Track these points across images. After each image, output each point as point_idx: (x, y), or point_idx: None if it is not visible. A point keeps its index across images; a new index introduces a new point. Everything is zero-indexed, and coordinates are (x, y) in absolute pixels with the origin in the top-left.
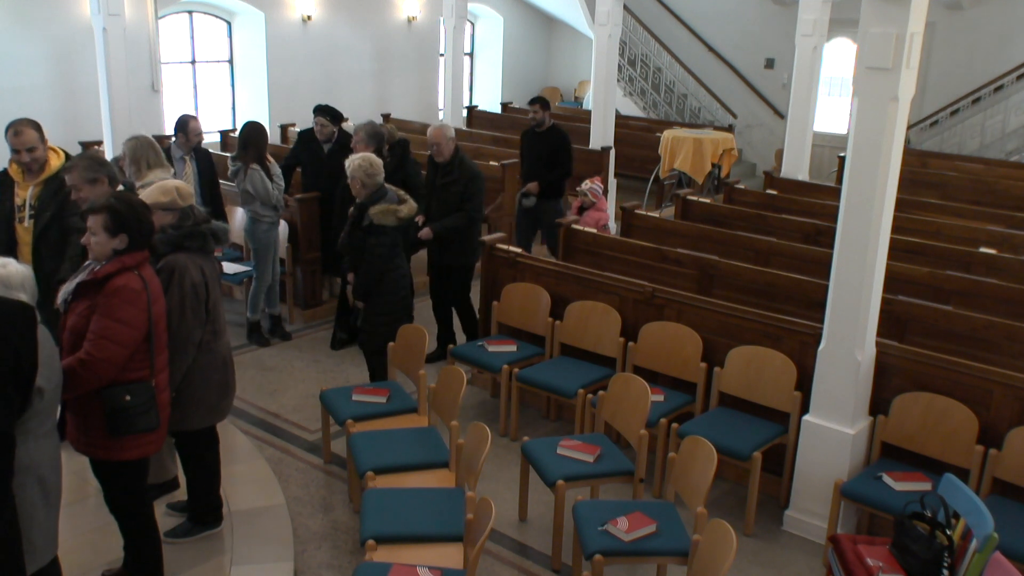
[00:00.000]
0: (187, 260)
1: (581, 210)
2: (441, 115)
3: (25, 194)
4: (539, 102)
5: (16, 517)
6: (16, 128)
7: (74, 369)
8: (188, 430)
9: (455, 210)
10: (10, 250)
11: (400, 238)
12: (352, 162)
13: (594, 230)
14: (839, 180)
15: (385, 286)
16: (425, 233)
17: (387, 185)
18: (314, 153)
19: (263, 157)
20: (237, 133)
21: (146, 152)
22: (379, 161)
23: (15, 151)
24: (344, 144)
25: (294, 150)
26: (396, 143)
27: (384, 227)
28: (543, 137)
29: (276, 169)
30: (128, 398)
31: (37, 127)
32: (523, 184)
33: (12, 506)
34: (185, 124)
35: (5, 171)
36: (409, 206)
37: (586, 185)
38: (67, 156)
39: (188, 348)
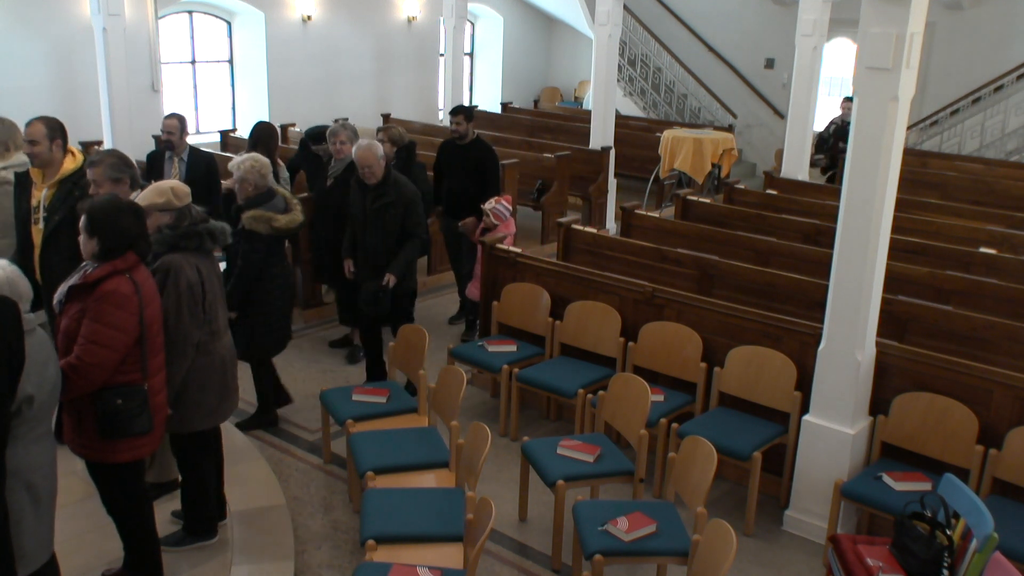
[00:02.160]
0: (183, 260)
1: (484, 232)
2: (441, 115)
3: (40, 195)
4: (463, 112)
5: (7, 518)
6: (31, 120)
7: (65, 373)
8: (189, 432)
9: (394, 236)
10: (25, 252)
11: (279, 247)
12: (242, 164)
13: None
14: (839, 180)
15: (261, 296)
16: (391, 280)
17: (279, 190)
18: (316, 158)
19: (272, 158)
20: (247, 133)
21: (12, 134)
22: (267, 161)
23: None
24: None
25: (298, 155)
26: (403, 146)
27: (256, 234)
28: (466, 151)
29: (284, 173)
30: (120, 401)
31: (52, 126)
32: (445, 198)
33: (3, 507)
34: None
35: (27, 172)
36: (291, 217)
37: (489, 205)
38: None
39: (186, 349)
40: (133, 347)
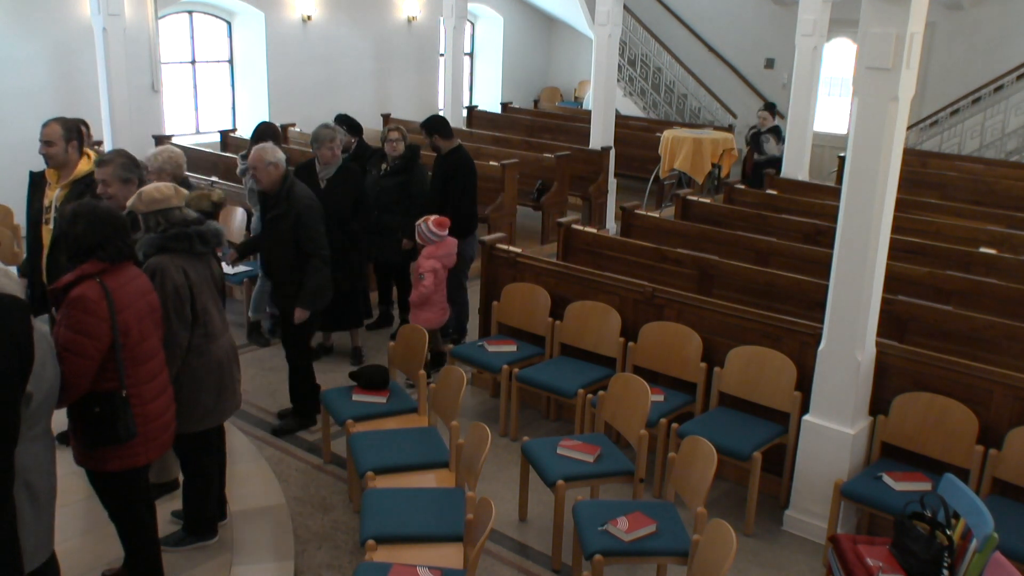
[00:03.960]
0: (169, 262)
1: (417, 250)
2: (440, 115)
3: (53, 195)
4: (425, 128)
5: (14, 516)
6: (48, 120)
7: None
8: (188, 432)
9: (290, 249)
10: (36, 252)
11: None
12: (158, 155)
13: (426, 287)
14: (839, 180)
15: None
16: (300, 316)
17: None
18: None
19: None
20: (247, 133)
21: None
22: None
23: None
24: (359, 155)
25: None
26: (407, 147)
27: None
28: (441, 162)
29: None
30: (96, 409)
31: (68, 128)
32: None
33: (12, 504)
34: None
35: (42, 172)
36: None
37: (420, 222)
38: None
39: (174, 351)
40: (108, 353)
